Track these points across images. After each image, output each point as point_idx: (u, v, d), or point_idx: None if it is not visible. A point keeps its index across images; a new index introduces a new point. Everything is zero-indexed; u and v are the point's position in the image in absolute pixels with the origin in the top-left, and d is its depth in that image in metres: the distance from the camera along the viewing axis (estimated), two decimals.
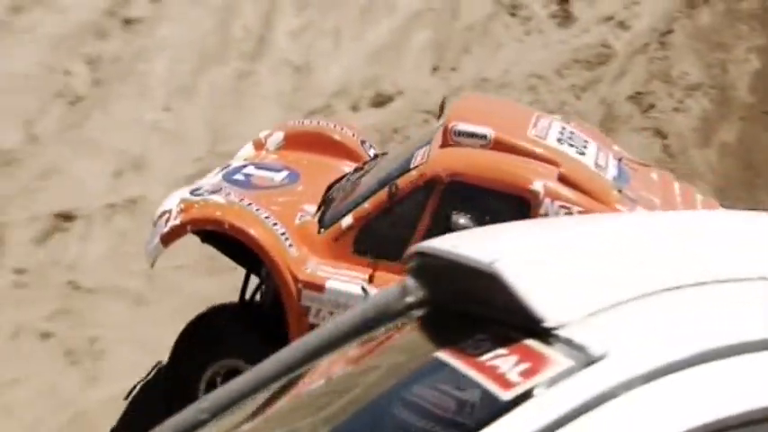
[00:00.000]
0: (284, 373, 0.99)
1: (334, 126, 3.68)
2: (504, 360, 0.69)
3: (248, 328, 2.98)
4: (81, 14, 5.57)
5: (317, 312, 2.81)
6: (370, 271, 2.77)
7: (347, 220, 2.88)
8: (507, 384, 0.65)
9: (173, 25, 5.65)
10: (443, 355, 0.78)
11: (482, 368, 0.70)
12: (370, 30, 5.81)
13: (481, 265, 0.75)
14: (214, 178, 3.23)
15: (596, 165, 2.93)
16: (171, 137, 5.09)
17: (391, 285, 0.98)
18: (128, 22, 5.64)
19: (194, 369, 2.97)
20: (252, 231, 2.85)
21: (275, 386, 1.01)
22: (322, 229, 2.94)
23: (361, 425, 0.90)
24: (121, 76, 5.26)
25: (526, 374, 0.65)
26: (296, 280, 2.80)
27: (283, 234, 2.86)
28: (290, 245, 2.85)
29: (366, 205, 2.88)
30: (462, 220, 2.60)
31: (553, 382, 0.62)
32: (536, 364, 0.66)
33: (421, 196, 2.79)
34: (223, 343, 2.98)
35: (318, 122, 3.83)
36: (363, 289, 2.67)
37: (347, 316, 1.03)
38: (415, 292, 0.92)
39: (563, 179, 2.73)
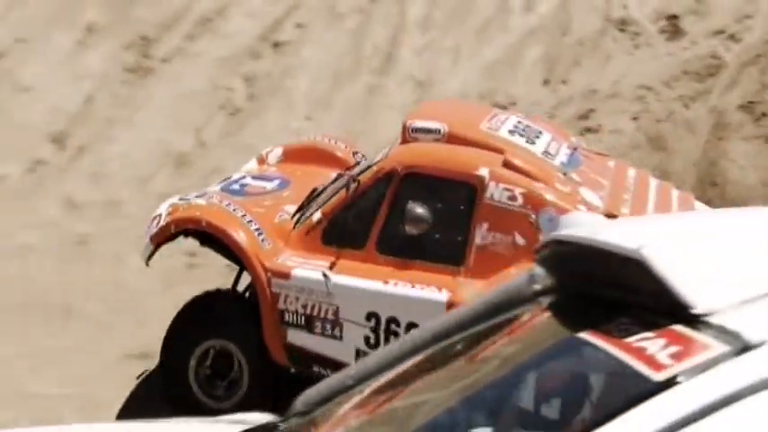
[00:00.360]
0: (420, 349, 1.02)
1: (328, 140, 3.85)
2: (652, 343, 0.67)
3: (235, 313, 3.14)
4: (240, 40, 6.34)
5: (285, 298, 2.91)
6: (334, 259, 2.89)
7: (317, 215, 3.02)
8: (658, 366, 0.63)
9: (313, 47, 6.31)
10: (587, 337, 0.76)
11: (630, 349, 0.68)
12: (485, 47, 6.24)
13: (627, 252, 0.73)
14: (213, 188, 3.43)
15: (545, 152, 3.03)
16: None
17: (520, 274, 1.00)
18: (277, 45, 6.34)
19: (186, 345, 3.13)
20: (226, 228, 2.99)
21: (410, 361, 1.03)
22: (297, 225, 3.06)
23: (501, 394, 0.92)
24: (272, 91, 5.96)
25: (677, 357, 0.63)
26: (266, 270, 2.91)
27: (258, 230, 3.01)
28: (264, 239, 2.99)
29: (333, 200, 3.02)
30: (418, 209, 2.72)
31: (706, 366, 0.60)
32: (687, 348, 0.63)
33: (380, 188, 2.89)
34: (214, 324, 3.14)
35: (314, 138, 4.02)
36: (324, 275, 2.81)
37: (479, 301, 1.04)
38: (544, 280, 0.92)
39: (507, 164, 2.82)
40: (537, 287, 0.94)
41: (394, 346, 1.12)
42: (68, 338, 4.10)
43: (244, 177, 3.52)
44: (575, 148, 3.22)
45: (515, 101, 5.94)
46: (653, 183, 3.28)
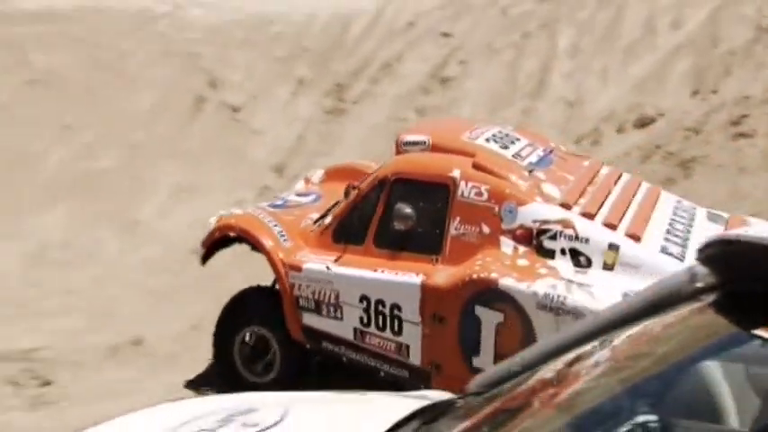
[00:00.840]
0: (582, 341, 1.02)
1: (363, 162, 4.10)
2: None
3: (268, 305, 3.41)
4: (413, 79, 7.29)
5: (299, 287, 3.16)
6: (340, 254, 3.14)
7: (329, 218, 3.32)
8: None
9: (474, 79, 7.03)
10: (759, 332, 0.76)
11: None
12: (633, 65, 6.49)
13: None
14: (261, 204, 3.85)
15: (515, 155, 3.16)
16: None
17: (677, 272, 0.99)
18: (443, 80, 7.17)
19: (231, 330, 3.46)
20: (253, 231, 3.33)
21: (571, 354, 1.04)
22: (315, 228, 3.35)
23: (666, 385, 0.93)
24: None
25: None
26: (284, 264, 3.19)
27: (281, 233, 3.31)
28: (285, 240, 3.29)
29: (341, 205, 3.31)
30: (404, 208, 2.95)
31: None
32: None
33: (376, 193, 3.12)
34: (251, 314, 3.46)
35: (352, 162, 4.25)
36: (327, 267, 3.12)
37: (637, 298, 1.02)
38: (706, 278, 0.89)
39: (476, 166, 2.98)
40: (699, 285, 0.91)
41: (557, 338, 1.16)
42: None
43: (289, 195, 3.93)
44: (550, 151, 3.37)
45: (663, 112, 6.11)
46: (624, 177, 3.39)
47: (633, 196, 3.15)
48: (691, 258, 2.24)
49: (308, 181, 4.12)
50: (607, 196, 3.06)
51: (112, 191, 7.97)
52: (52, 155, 8.42)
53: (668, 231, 2.88)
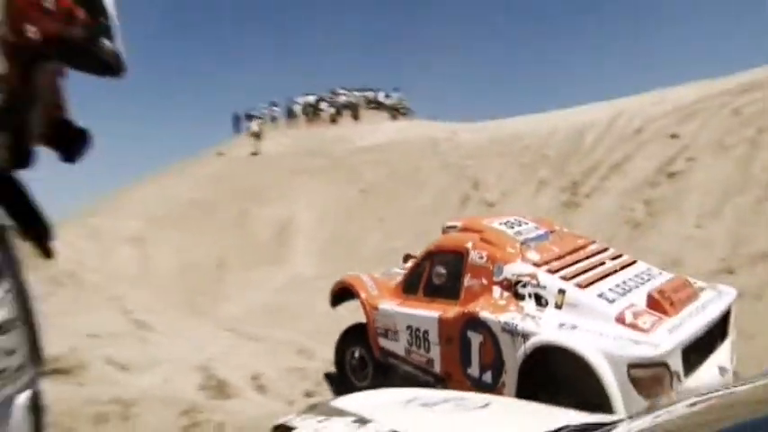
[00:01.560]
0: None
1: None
2: None
3: (365, 333, 4.41)
4: (640, 174, 7.68)
5: (377, 321, 4.26)
6: (403, 300, 4.14)
7: (401, 275, 4.45)
8: None
9: (702, 172, 7.04)
10: None
11: None
12: None
13: None
14: (377, 272, 4.91)
15: (516, 233, 3.83)
16: (701, 244, 6.12)
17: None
18: (670, 174, 7.35)
19: (343, 350, 4.68)
20: (354, 285, 4.56)
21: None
22: (394, 284, 4.42)
23: None
24: (666, 209, 6.91)
25: None
26: (370, 306, 4.34)
27: (372, 287, 4.49)
28: (373, 291, 4.45)
29: (408, 267, 4.36)
30: (440, 269, 3.89)
31: None
32: None
33: (424, 260, 4.10)
34: (355, 339, 4.53)
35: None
36: (392, 307, 4.13)
37: None
38: None
39: (483, 239, 3.75)
40: None
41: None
42: None
43: (397, 269, 5.01)
44: (551, 231, 4.00)
45: None
46: (609, 251, 3.86)
47: (604, 263, 3.65)
48: (621, 303, 3.05)
49: (407, 257, 5.32)
50: (577, 261, 3.61)
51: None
52: (370, 238, 11.28)
53: (616, 285, 3.32)
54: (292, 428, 1.45)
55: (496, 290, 3.48)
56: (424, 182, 11.97)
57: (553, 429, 1.07)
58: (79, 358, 3.84)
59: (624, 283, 3.37)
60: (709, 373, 2.87)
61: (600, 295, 3.17)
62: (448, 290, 3.76)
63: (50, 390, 2.59)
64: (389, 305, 4.15)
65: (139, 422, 3.02)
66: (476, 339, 3.43)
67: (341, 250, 10.78)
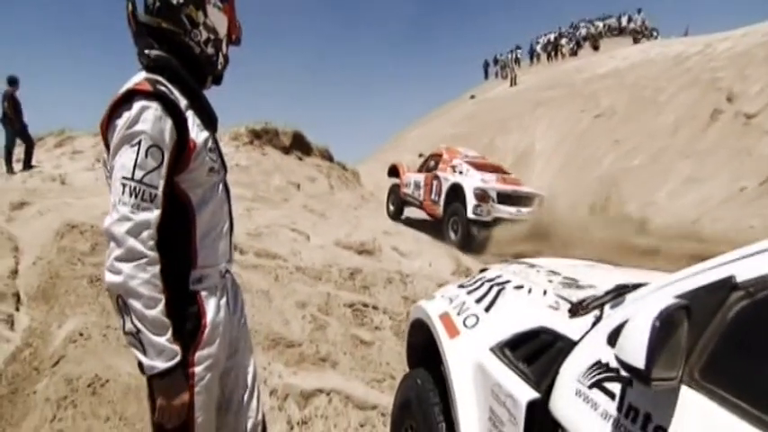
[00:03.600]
0: None
1: None
2: None
3: None
4: None
5: (404, 181, 6.83)
6: (414, 173, 6.69)
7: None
8: None
9: None
10: None
11: None
12: None
13: None
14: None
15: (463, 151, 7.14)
16: None
17: None
18: None
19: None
20: (397, 165, 6.73)
21: None
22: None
23: None
24: None
25: None
26: (403, 175, 6.84)
27: (406, 167, 6.68)
28: (406, 169, 6.75)
29: (421, 160, 6.82)
30: (430, 162, 6.68)
31: None
32: None
33: (426, 159, 6.60)
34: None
35: None
36: (408, 175, 6.72)
37: None
38: None
39: (449, 150, 6.95)
40: None
41: None
42: None
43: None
44: (483, 157, 7.19)
45: None
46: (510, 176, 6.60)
47: (500, 174, 6.40)
48: (483, 176, 6.09)
49: (421, 156, 7.39)
50: (483, 169, 6.41)
51: (639, 181, 9.25)
52: (605, 159, 10.46)
53: (491, 177, 6.13)
54: (486, 269, 1.77)
55: (449, 168, 6.36)
56: (666, 101, 10.13)
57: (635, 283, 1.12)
58: (377, 245, 4.66)
59: (493, 179, 6.09)
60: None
61: (480, 180, 6.01)
62: (431, 168, 6.73)
63: (360, 261, 3.68)
64: (409, 174, 7.11)
65: (411, 287, 3.58)
66: (436, 184, 6.26)
67: (574, 171, 10.32)
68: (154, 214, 0.92)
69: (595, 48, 20.60)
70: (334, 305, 2.96)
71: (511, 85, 18.64)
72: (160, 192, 0.93)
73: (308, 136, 7.98)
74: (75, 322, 2.24)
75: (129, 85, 0.96)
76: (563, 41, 21.63)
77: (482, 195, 5.33)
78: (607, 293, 1.05)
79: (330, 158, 8.36)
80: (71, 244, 2.99)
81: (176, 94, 0.98)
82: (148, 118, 0.92)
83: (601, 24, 22.33)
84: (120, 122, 0.92)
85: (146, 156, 0.91)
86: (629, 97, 11.86)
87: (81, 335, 2.14)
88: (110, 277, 0.89)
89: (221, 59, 1.10)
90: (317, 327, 2.70)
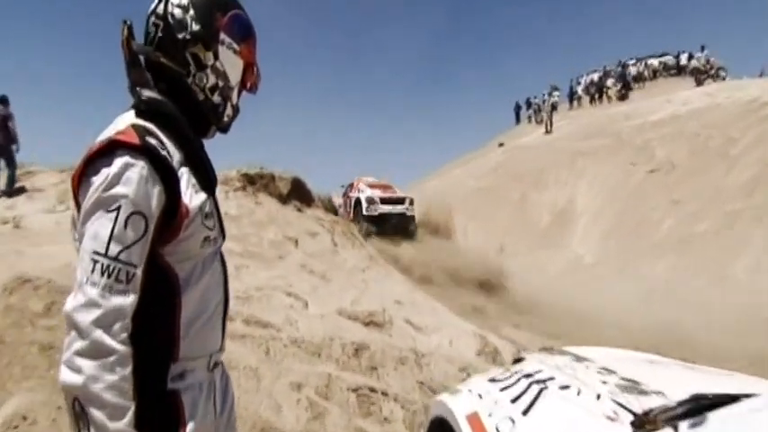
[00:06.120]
0: None
1: None
2: None
3: None
4: None
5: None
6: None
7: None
8: None
9: None
10: None
11: None
12: None
13: None
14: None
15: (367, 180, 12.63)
16: None
17: None
18: None
19: None
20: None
21: None
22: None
23: None
24: None
25: None
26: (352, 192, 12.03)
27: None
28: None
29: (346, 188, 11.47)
30: (348, 191, 12.41)
31: None
32: None
33: (347, 188, 12.05)
34: None
35: None
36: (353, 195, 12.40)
37: None
38: None
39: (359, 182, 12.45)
40: None
41: None
42: None
43: None
44: (385, 187, 12.25)
45: None
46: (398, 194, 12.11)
47: (391, 194, 12.61)
48: (372, 191, 11.79)
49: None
50: (381, 189, 12.48)
51: (708, 250, 9.18)
52: (663, 223, 10.50)
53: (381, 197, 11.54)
54: (522, 359, 1.74)
55: (355, 190, 11.46)
56: (739, 155, 10.29)
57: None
58: (388, 316, 4.61)
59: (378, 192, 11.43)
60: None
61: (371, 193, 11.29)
62: (347, 192, 11.93)
63: (367, 335, 3.62)
64: (336, 199, 11.63)
65: (428, 370, 3.55)
66: (349, 200, 11.37)
67: (626, 236, 10.31)
68: (129, 299, 0.86)
69: (622, 98, 20.15)
70: (336, 389, 2.91)
71: (546, 131, 19.01)
72: (139, 272, 0.88)
73: (309, 183, 8.15)
74: (18, 402, 2.16)
75: (110, 132, 0.92)
76: (609, 82, 22.10)
77: (371, 201, 10.59)
78: (680, 404, 1.02)
79: (334, 211, 8.48)
80: (21, 302, 2.93)
81: (169, 146, 0.94)
82: (132, 179, 0.87)
83: (656, 62, 22.60)
84: (97, 181, 0.87)
85: (125, 226, 0.86)
86: (690, 149, 12.06)
87: (24, 418, 2.06)
88: (67, 375, 0.83)
89: (229, 110, 1.08)
90: (315, 415, 2.65)
